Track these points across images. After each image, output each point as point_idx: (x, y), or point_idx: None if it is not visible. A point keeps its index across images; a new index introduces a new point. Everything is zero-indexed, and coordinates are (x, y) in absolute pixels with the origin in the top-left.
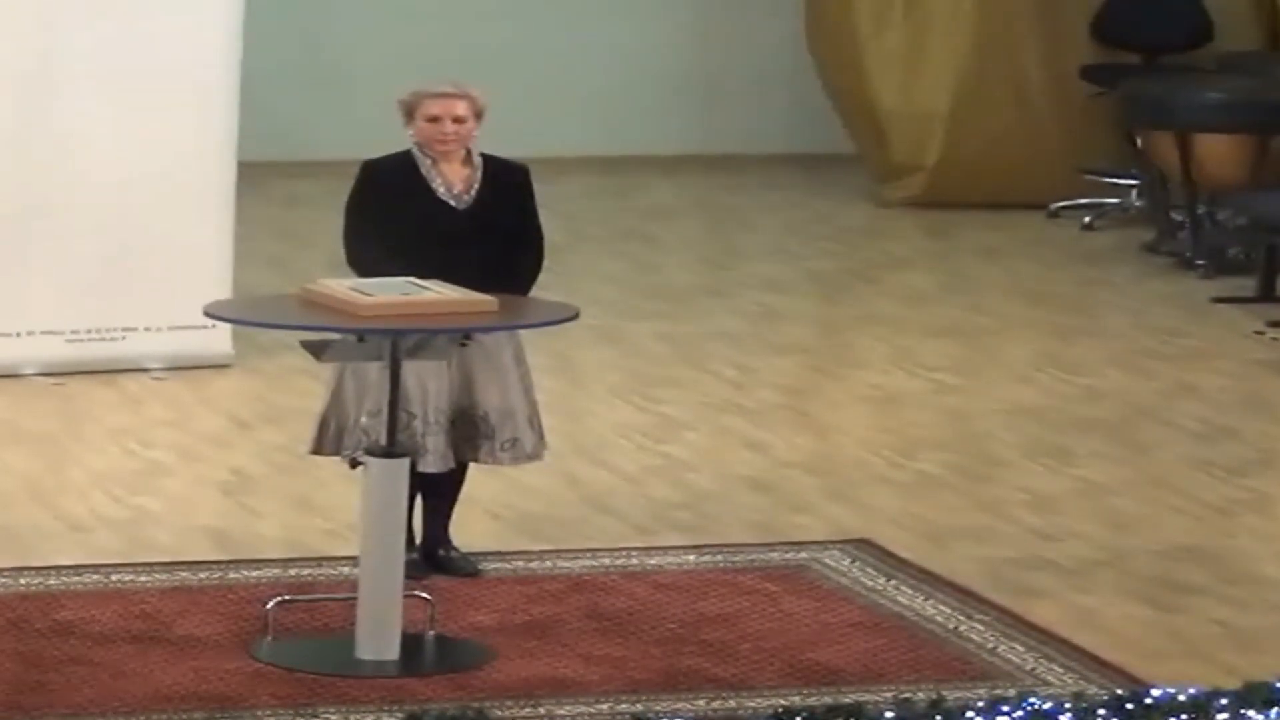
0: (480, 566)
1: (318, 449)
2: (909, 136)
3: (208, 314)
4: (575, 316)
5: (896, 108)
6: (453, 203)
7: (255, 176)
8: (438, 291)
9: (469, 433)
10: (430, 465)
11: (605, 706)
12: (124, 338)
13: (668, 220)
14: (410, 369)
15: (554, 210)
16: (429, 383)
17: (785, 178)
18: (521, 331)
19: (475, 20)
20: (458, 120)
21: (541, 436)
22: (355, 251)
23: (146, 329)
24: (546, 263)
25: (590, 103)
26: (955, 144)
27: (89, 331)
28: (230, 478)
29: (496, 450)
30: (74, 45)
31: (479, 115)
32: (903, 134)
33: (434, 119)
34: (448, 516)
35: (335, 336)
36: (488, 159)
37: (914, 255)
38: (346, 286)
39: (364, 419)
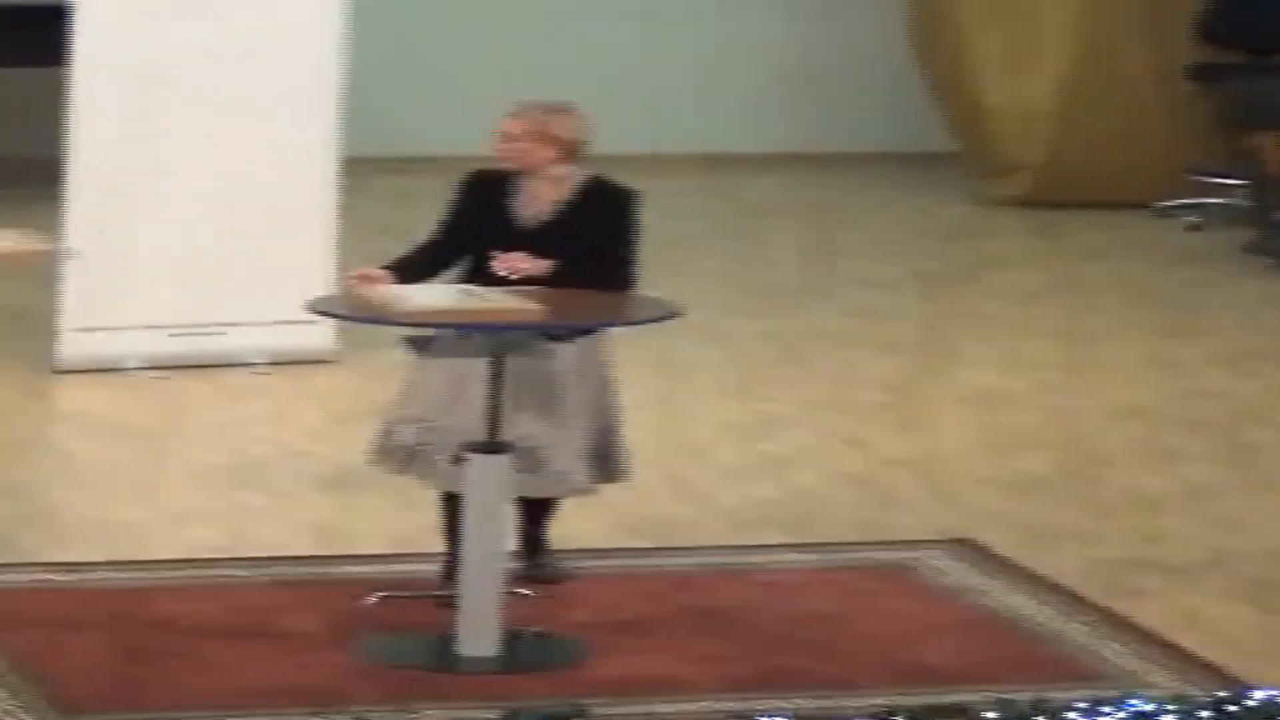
0: (580, 565)
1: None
2: (1015, 134)
3: (310, 309)
4: (679, 314)
5: (1001, 105)
6: (522, 221)
7: (359, 172)
8: (485, 300)
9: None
10: (438, 484)
11: (705, 704)
12: (227, 333)
13: (770, 218)
14: (451, 387)
15: (655, 208)
16: (457, 402)
17: (887, 176)
18: (610, 346)
19: (576, 18)
20: (510, 138)
21: (599, 465)
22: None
23: (250, 324)
24: (649, 260)
25: (691, 100)
26: (1062, 142)
27: (192, 326)
28: (332, 473)
29: (545, 482)
30: (178, 41)
31: (543, 137)
32: (1008, 132)
33: (499, 134)
34: (543, 522)
35: (438, 333)
36: (593, 180)
37: (1018, 254)
38: (394, 292)
39: (403, 427)
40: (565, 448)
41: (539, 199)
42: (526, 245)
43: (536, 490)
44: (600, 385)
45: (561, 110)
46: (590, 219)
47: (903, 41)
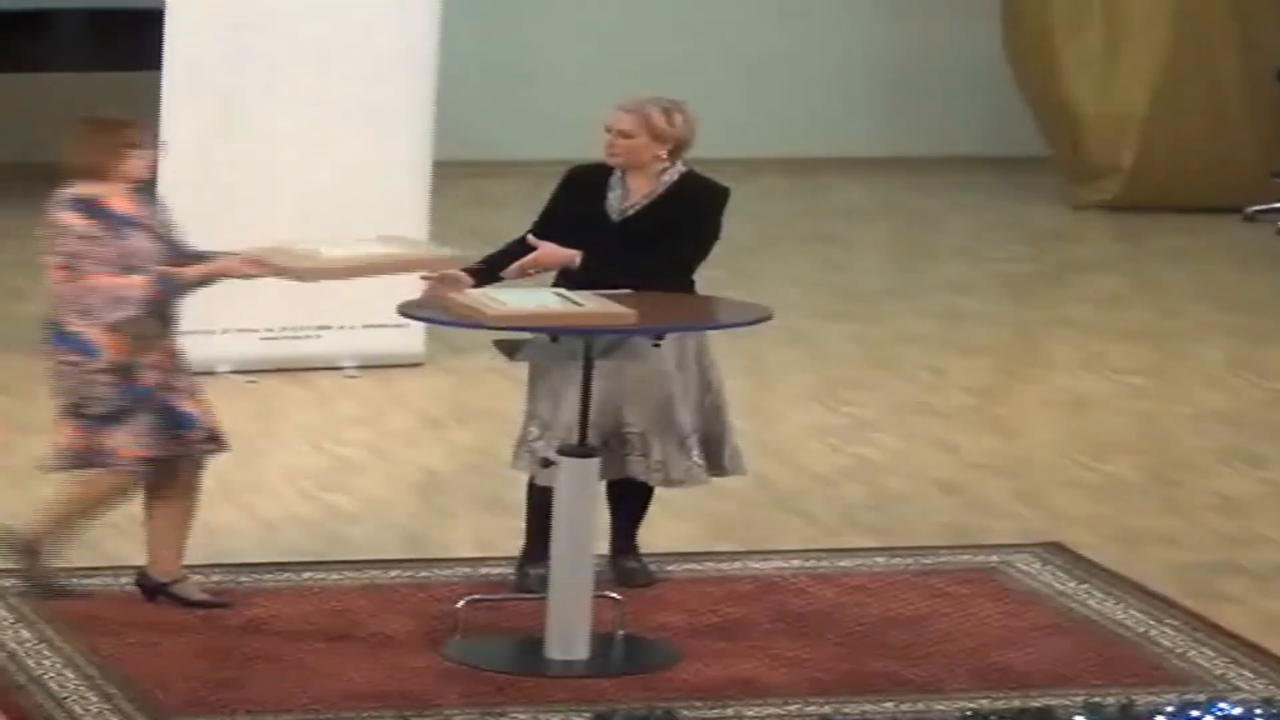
0: (669, 568)
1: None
2: (1105, 138)
3: (401, 313)
4: (769, 317)
5: (1093, 109)
6: (612, 215)
7: (447, 177)
8: (575, 304)
9: (620, 449)
10: (545, 479)
11: (794, 708)
12: (318, 336)
13: (857, 222)
14: (561, 384)
15: (743, 212)
16: (563, 399)
17: (976, 180)
18: (708, 345)
19: (663, 23)
20: (621, 134)
21: (705, 460)
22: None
23: (340, 327)
24: (735, 264)
25: (780, 104)
26: (1152, 146)
27: (283, 329)
28: (422, 477)
29: (650, 469)
30: (270, 46)
31: (654, 133)
32: (1099, 136)
33: (606, 129)
34: (634, 525)
35: (528, 337)
36: (688, 175)
37: (1106, 258)
38: (485, 296)
39: (530, 426)
40: (664, 438)
41: (634, 193)
42: (614, 238)
43: (640, 475)
44: (699, 378)
45: (674, 108)
46: (673, 213)
47: (995, 45)
